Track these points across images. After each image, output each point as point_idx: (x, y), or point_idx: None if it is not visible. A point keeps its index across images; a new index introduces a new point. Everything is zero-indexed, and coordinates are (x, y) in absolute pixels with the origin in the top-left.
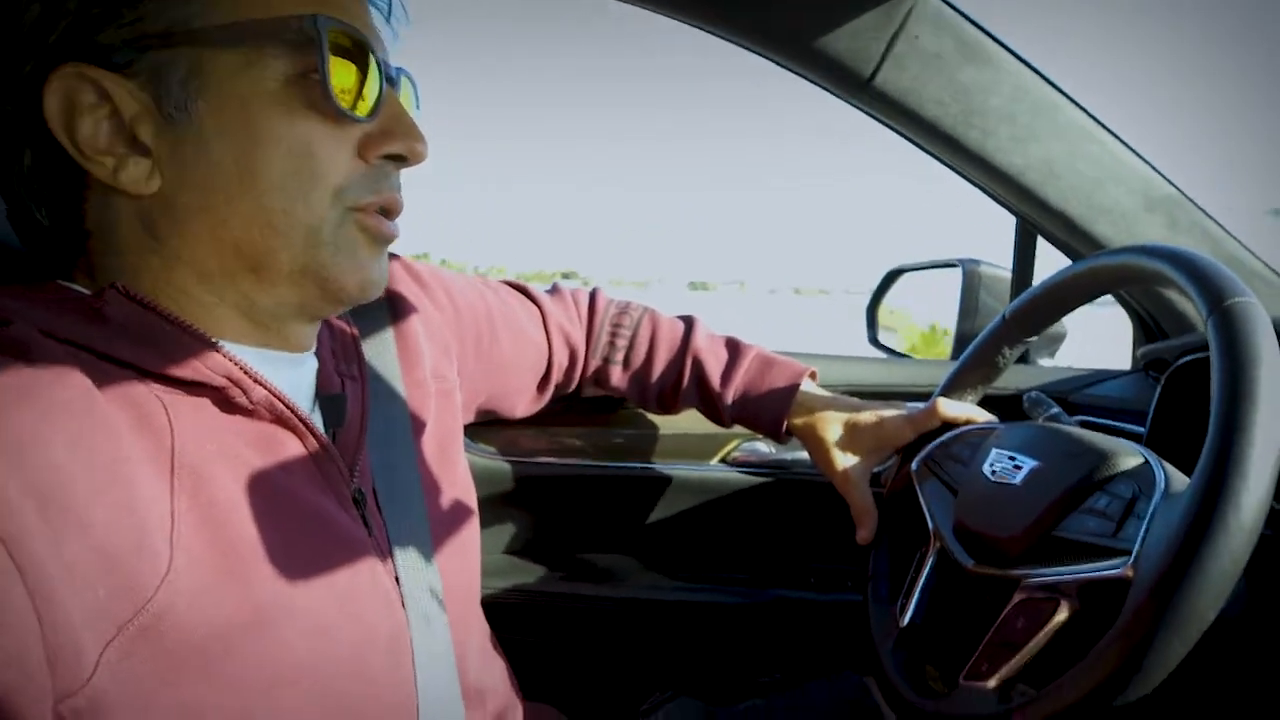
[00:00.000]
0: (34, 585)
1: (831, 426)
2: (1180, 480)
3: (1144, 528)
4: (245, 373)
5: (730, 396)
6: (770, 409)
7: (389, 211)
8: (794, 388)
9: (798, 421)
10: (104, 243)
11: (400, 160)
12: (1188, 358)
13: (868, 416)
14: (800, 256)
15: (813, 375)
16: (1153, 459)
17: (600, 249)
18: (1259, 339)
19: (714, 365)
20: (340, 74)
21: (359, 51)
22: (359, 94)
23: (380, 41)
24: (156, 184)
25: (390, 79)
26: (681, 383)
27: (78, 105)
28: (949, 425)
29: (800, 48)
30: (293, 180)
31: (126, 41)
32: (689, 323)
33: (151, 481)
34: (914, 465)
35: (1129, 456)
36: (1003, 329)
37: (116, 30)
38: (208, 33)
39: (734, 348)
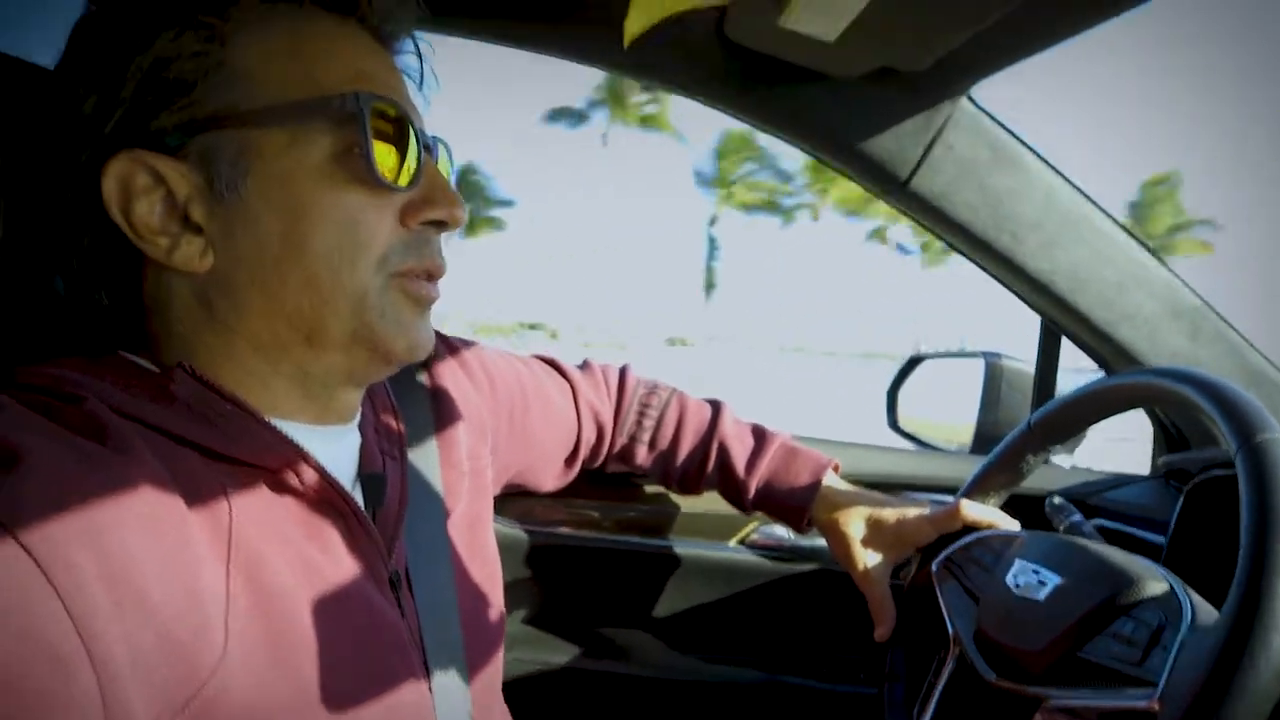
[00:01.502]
0: (100, 664)
1: (854, 522)
2: (1206, 612)
3: (1171, 660)
4: (302, 456)
5: (754, 485)
6: (793, 500)
7: (431, 275)
8: (817, 481)
9: (820, 515)
10: (161, 319)
11: (441, 225)
12: (1211, 473)
13: (890, 514)
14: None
15: (835, 468)
16: (1178, 587)
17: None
18: None
19: (739, 452)
20: (381, 146)
21: (399, 123)
22: (400, 164)
23: (415, 108)
24: (210, 261)
25: (428, 146)
26: (706, 467)
27: (133, 189)
28: (971, 528)
29: (839, 147)
30: (338, 251)
31: (178, 126)
32: (716, 407)
33: (211, 564)
34: (934, 567)
35: (1155, 582)
36: (1027, 436)
37: (169, 115)
38: (255, 114)
39: (760, 435)
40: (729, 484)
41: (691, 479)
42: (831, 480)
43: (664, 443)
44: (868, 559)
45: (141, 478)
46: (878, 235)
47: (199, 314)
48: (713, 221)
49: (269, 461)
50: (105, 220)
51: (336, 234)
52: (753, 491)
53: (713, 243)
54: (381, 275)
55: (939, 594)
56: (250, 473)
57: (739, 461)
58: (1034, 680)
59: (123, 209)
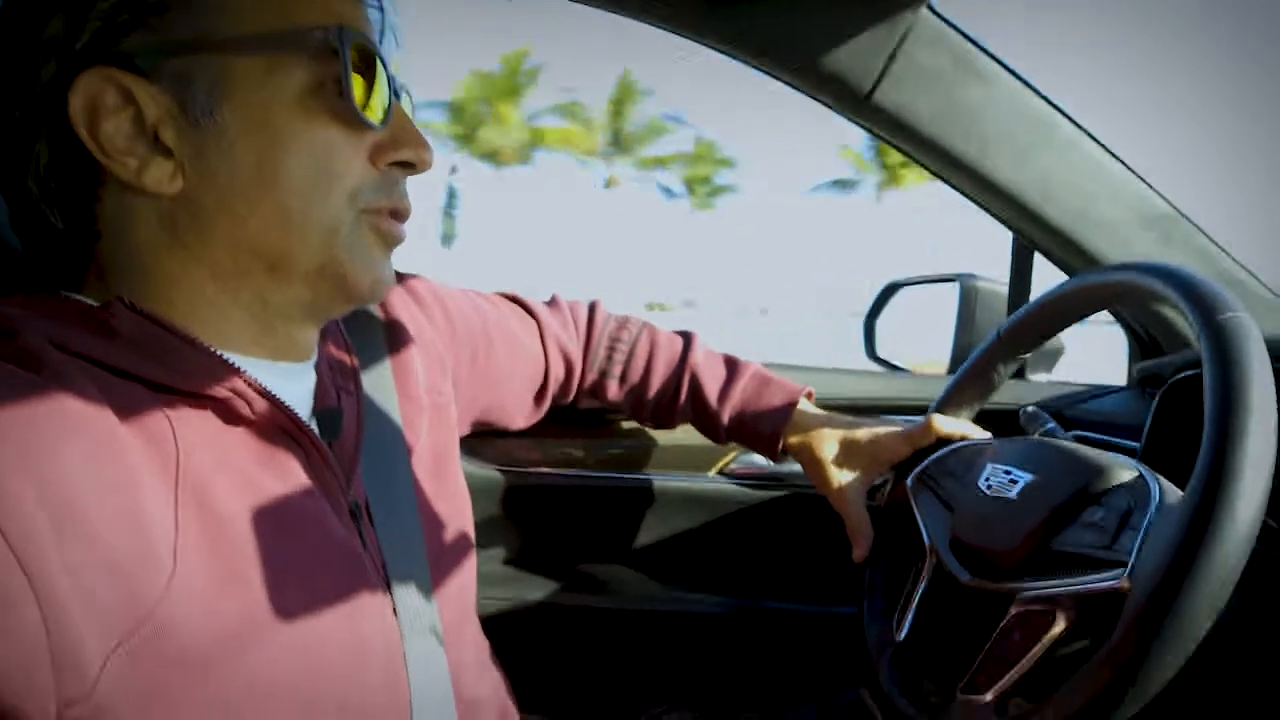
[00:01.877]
0: (44, 595)
1: (827, 444)
2: (1175, 493)
3: (1139, 540)
4: (249, 384)
5: (726, 414)
6: (766, 427)
7: (398, 215)
8: (790, 406)
9: (793, 440)
10: (116, 244)
11: (408, 167)
12: (1183, 374)
13: (863, 434)
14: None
15: (809, 395)
16: (1148, 473)
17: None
18: (1250, 353)
19: (711, 382)
20: (357, 83)
21: (373, 63)
22: (372, 104)
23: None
24: (179, 184)
25: (397, 90)
26: (678, 398)
27: (102, 106)
28: (944, 441)
29: (799, 63)
30: (311, 182)
31: (152, 48)
32: (687, 339)
33: (157, 493)
34: (909, 481)
35: (1124, 470)
36: (997, 345)
37: (143, 37)
38: (233, 42)
39: (731, 365)
40: (702, 415)
41: (664, 411)
42: (805, 406)
43: (635, 376)
44: (842, 479)
45: (81, 406)
46: (611, 182)
47: (160, 238)
48: (453, 170)
49: (215, 391)
50: (67, 139)
51: (310, 165)
52: (726, 421)
53: (452, 193)
54: (352, 210)
55: (914, 508)
56: (198, 403)
57: (711, 392)
58: (1007, 576)
59: (89, 127)
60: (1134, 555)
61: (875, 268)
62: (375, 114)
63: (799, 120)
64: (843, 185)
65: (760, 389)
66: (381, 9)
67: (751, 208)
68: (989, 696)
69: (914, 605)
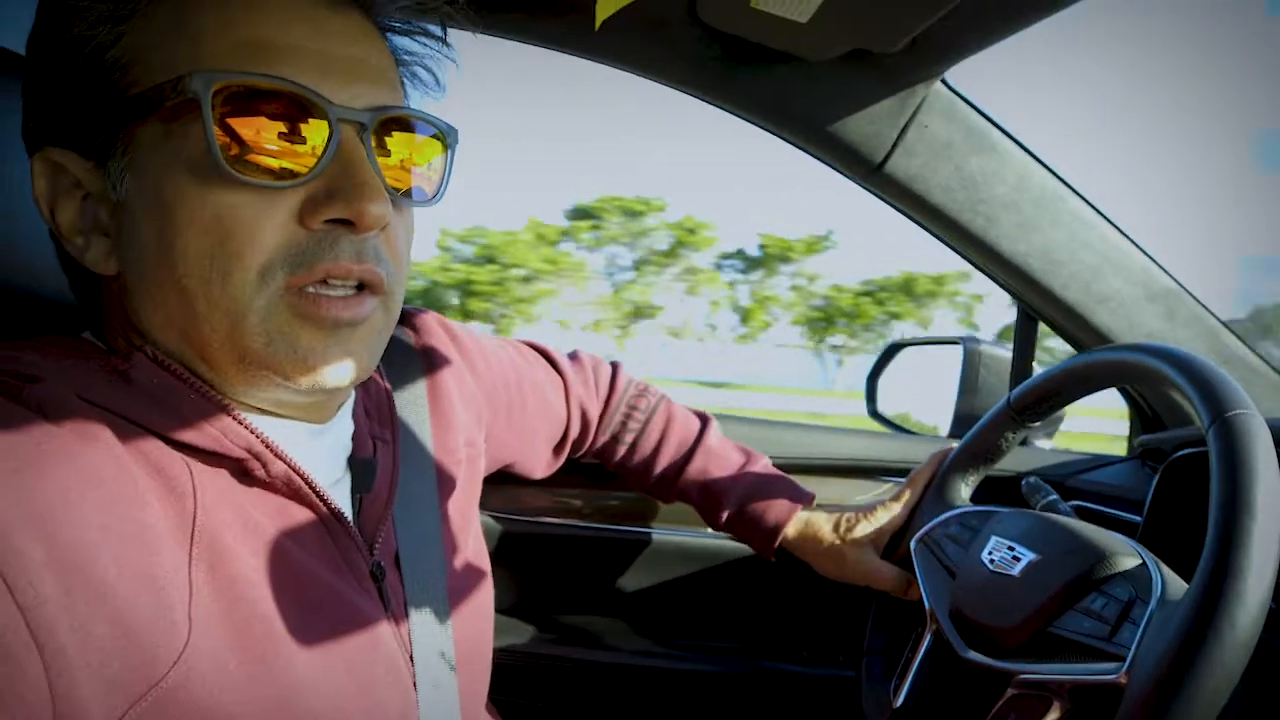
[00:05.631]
0: (49, 657)
1: (825, 529)
2: (1177, 586)
3: (1139, 634)
4: (265, 445)
5: (729, 505)
6: (766, 525)
7: (336, 277)
8: (794, 509)
9: (791, 534)
10: (110, 315)
11: (347, 224)
12: (1185, 451)
13: (857, 511)
14: None
15: (811, 500)
16: (1150, 561)
17: None
18: (1258, 453)
19: (720, 469)
20: (264, 133)
21: (284, 104)
22: (291, 154)
23: (356, 74)
24: (114, 265)
25: (362, 125)
26: (681, 478)
27: (58, 187)
28: (947, 506)
29: (814, 132)
30: (208, 260)
31: (90, 122)
32: (704, 420)
33: (172, 550)
34: (913, 543)
35: (1127, 557)
36: (1006, 414)
37: (86, 107)
38: (134, 103)
39: (744, 456)
40: (704, 500)
41: (666, 488)
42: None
43: (647, 447)
44: (847, 551)
45: (97, 460)
46: None
47: (126, 316)
48: None
49: (231, 451)
50: None
51: (204, 240)
52: (727, 511)
53: None
54: (266, 291)
55: (916, 570)
56: (215, 461)
57: (718, 482)
58: (1007, 655)
59: (50, 208)
60: (1133, 650)
61: None
62: (304, 162)
63: None
64: None
65: (767, 486)
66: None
67: None
68: None
69: (912, 673)
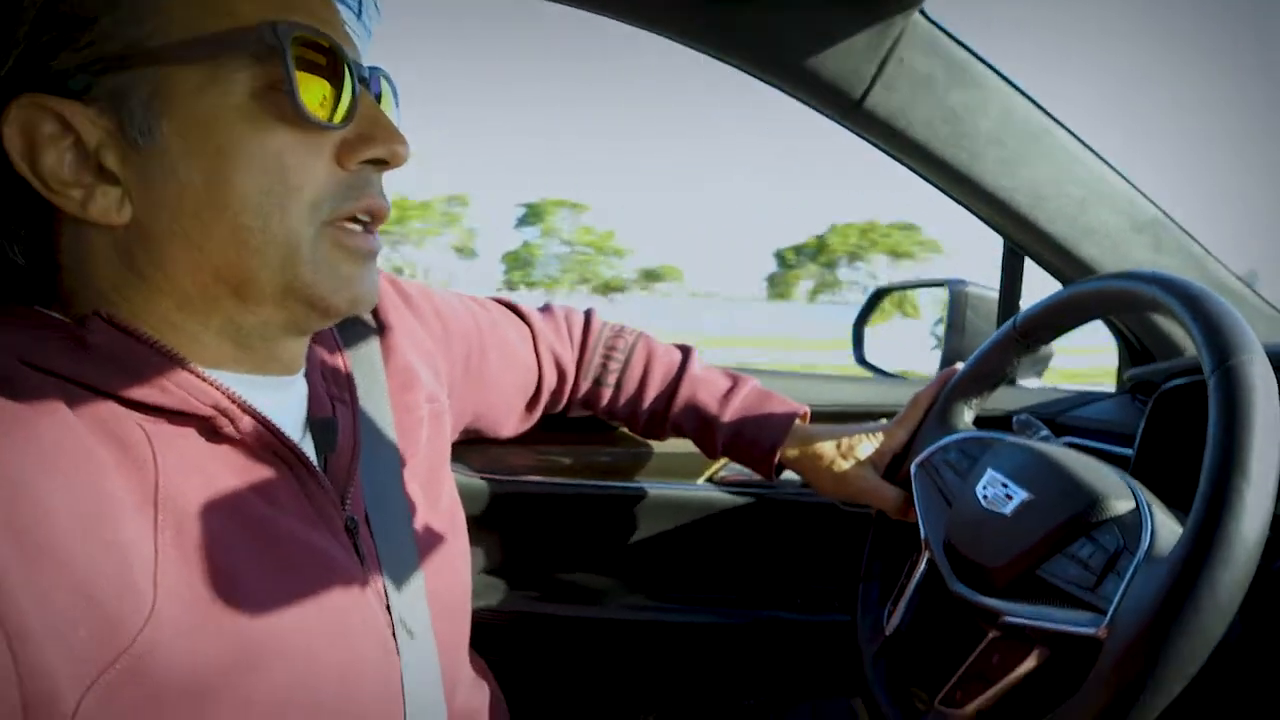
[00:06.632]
0: (11, 629)
1: (825, 448)
2: (1166, 538)
3: (1122, 588)
4: (232, 401)
5: (723, 428)
6: (764, 442)
7: (375, 217)
8: (789, 421)
9: (791, 453)
10: (79, 276)
11: (381, 164)
12: (1175, 382)
13: (859, 433)
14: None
15: (805, 415)
16: (1144, 504)
17: None
18: (1256, 408)
19: (708, 395)
20: (310, 80)
21: (328, 55)
22: (332, 100)
23: (351, 41)
24: (128, 213)
25: (364, 79)
26: (673, 410)
27: (38, 137)
28: (949, 430)
29: (791, 69)
30: (267, 196)
31: (82, 66)
32: (685, 351)
33: (134, 518)
34: (913, 467)
35: (1120, 500)
36: (1011, 336)
37: (71, 55)
38: (167, 50)
39: (731, 379)
40: (698, 428)
41: (658, 423)
42: (799, 425)
43: (631, 386)
44: (846, 467)
45: (53, 428)
46: None
47: (119, 269)
48: None
49: (198, 409)
50: (12, 172)
51: (263, 179)
52: (722, 435)
53: None
54: (314, 224)
55: (915, 495)
56: (180, 422)
57: (709, 405)
58: (994, 593)
59: (28, 160)
60: (1115, 604)
61: None
62: (340, 111)
63: None
64: None
65: (759, 404)
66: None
67: None
68: (967, 711)
69: (905, 600)
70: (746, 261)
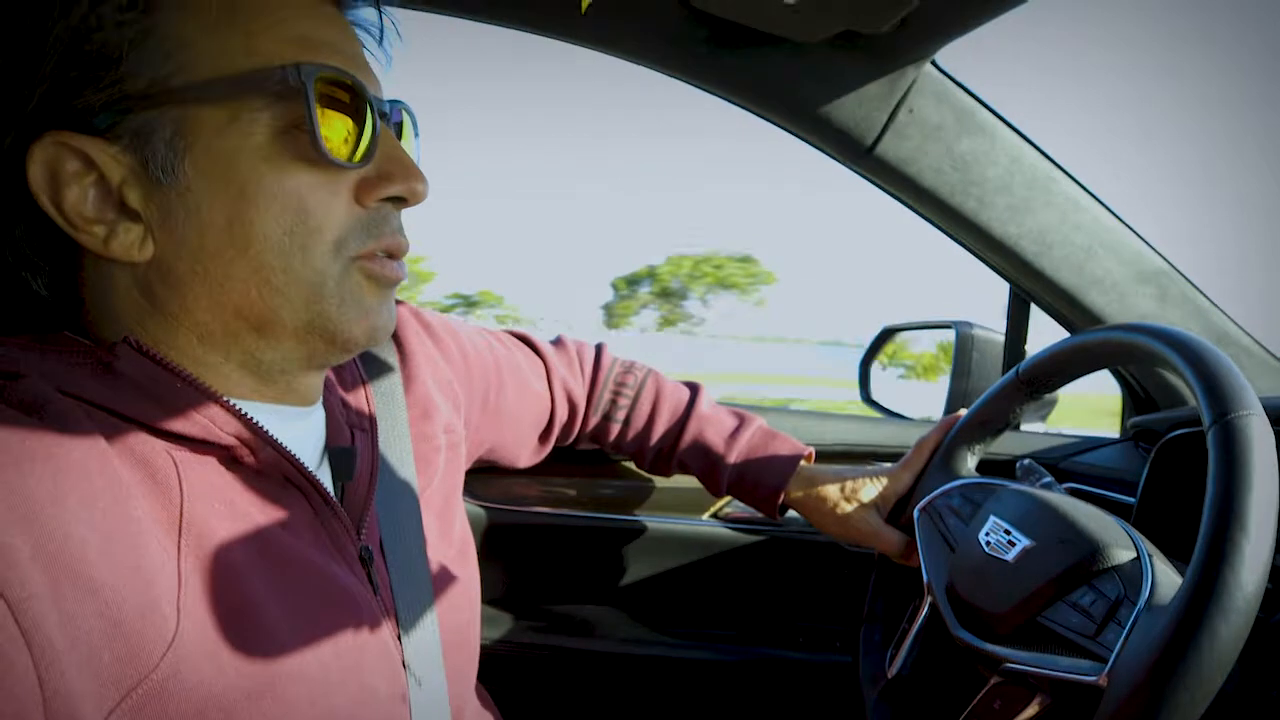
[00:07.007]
0: (38, 652)
1: (830, 490)
2: (1166, 587)
3: (1123, 637)
4: (254, 432)
5: (729, 467)
6: (769, 483)
7: (393, 254)
8: (794, 462)
9: (796, 494)
10: (102, 309)
11: (400, 201)
12: (1178, 431)
13: (863, 475)
14: None
15: (810, 457)
16: (1144, 553)
17: None
18: (1255, 463)
19: (715, 434)
20: (330, 118)
21: (350, 92)
22: (354, 138)
23: (371, 72)
24: (150, 250)
25: (384, 114)
26: (680, 447)
27: (62, 174)
28: (952, 476)
29: (804, 116)
30: (289, 236)
31: (106, 104)
32: (693, 389)
33: (160, 543)
34: (915, 512)
35: (1121, 549)
36: (1014, 384)
37: (95, 93)
38: (190, 90)
39: (737, 418)
40: (704, 467)
41: (664, 460)
42: (804, 466)
43: (639, 422)
44: (850, 510)
45: (82, 455)
46: None
47: (141, 303)
48: None
49: (220, 438)
50: (36, 208)
51: (285, 218)
52: (727, 474)
53: None
54: (339, 261)
55: (917, 539)
56: (202, 450)
57: (714, 444)
58: (996, 639)
59: (52, 197)
60: (1116, 653)
61: None
62: (358, 151)
63: None
64: None
65: (764, 444)
66: (376, 4)
67: None
68: None
69: (908, 644)
70: (583, 289)
